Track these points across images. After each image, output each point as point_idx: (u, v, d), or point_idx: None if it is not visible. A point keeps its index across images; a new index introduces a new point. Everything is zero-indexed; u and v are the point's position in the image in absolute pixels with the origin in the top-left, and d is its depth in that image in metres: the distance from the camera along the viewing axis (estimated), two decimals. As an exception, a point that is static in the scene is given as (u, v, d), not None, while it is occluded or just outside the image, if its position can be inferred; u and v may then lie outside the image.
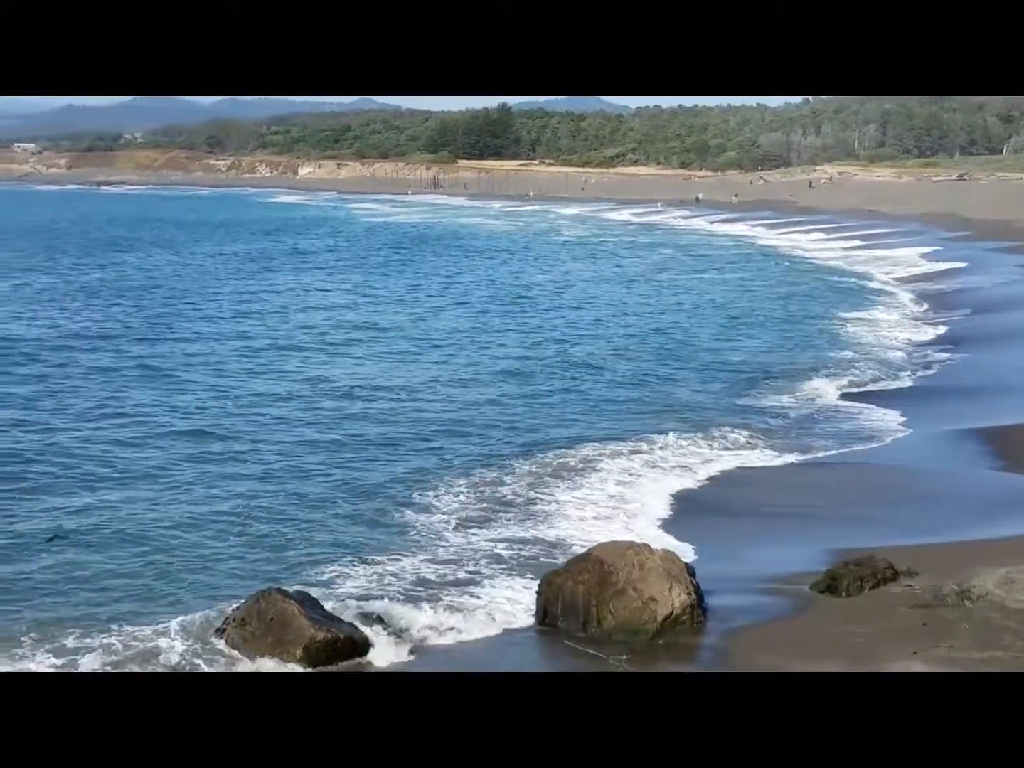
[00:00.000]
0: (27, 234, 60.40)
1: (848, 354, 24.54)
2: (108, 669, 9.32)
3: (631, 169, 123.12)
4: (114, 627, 10.21)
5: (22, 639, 9.93)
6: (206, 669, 9.37)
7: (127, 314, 30.76)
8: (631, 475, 15.25)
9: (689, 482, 15.01)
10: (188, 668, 9.42)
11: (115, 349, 25.33)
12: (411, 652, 9.90)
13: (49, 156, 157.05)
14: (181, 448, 16.87)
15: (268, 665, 9.37)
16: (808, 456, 16.30)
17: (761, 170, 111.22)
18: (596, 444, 16.72)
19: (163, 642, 9.83)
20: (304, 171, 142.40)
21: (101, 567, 12.14)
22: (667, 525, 13.27)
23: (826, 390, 20.80)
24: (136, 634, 10.03)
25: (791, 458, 16.13)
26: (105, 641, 9.89)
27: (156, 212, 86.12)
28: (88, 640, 9.92)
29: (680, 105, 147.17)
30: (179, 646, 9.80)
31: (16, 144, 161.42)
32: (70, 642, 9.88)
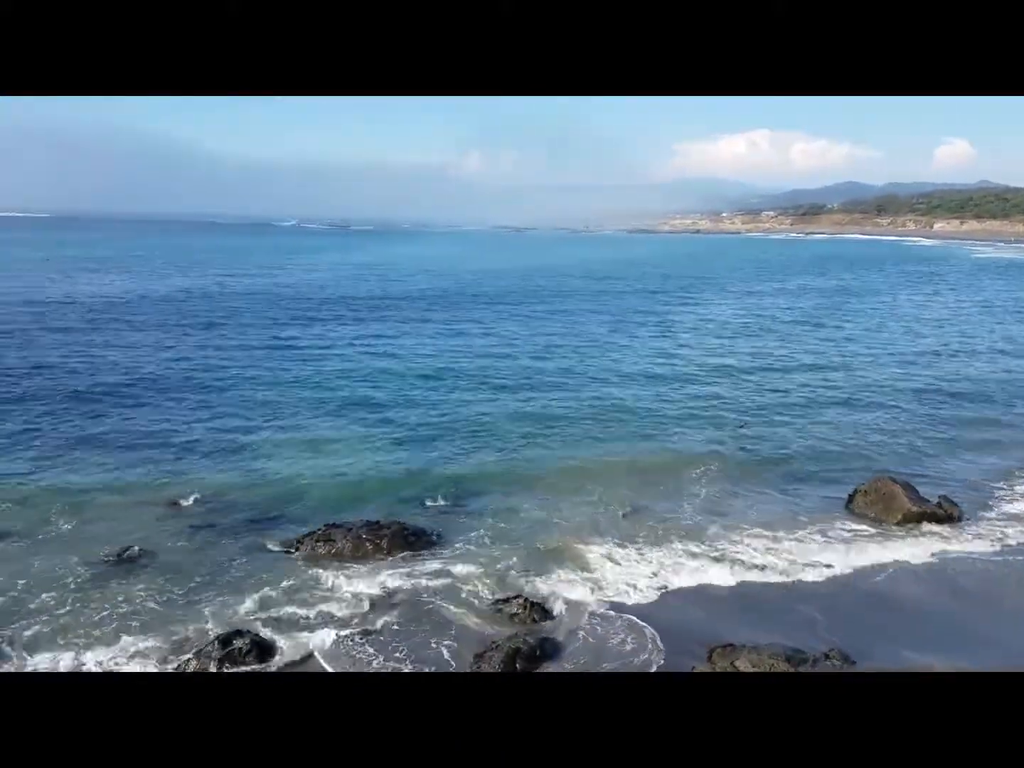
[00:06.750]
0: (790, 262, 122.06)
1: None
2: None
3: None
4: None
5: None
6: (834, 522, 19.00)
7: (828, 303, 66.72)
8: None
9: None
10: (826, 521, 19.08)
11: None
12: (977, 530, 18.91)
13: (780, 219, 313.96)
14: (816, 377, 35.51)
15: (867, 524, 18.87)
16: None
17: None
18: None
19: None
20: (937, 226, 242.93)
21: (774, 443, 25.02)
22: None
23: None
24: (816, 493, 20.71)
25: None
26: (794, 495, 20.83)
27: (850, 250, 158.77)
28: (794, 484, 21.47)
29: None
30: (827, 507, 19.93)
31: (764, 212, 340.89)
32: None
